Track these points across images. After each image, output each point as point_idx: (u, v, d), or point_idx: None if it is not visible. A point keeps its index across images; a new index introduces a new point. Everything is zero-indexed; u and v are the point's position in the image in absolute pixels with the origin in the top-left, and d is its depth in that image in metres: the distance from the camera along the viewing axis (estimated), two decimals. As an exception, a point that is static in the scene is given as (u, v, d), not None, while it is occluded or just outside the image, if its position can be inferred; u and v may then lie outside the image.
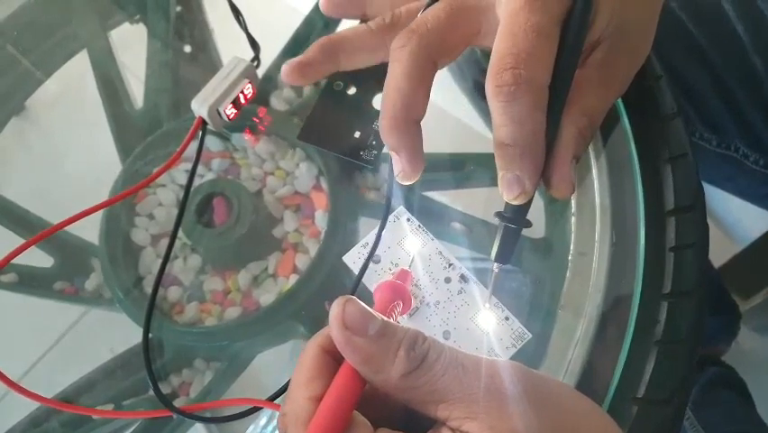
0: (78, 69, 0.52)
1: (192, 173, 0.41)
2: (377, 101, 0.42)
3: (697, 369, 0.80)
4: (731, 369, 0.82)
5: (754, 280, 0.88)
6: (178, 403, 0.39)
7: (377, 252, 0.34)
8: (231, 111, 0.40)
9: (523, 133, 0.27)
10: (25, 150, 0.59)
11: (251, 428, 0.60)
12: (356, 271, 0.34)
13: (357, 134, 0.41)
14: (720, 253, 0.89)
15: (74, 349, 0.47)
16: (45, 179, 0.55)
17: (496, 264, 0.30)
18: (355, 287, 0.33)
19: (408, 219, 0.35)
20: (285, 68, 0.38)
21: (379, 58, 0.38)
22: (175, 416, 0.37)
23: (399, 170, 0.31)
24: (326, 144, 0.41)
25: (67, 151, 0.57)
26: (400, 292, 0.30)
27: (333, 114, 0.42)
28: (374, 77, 0.41)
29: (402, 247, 0.34)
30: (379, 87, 0.42)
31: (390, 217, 0.35)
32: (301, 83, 0.38)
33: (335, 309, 0.24)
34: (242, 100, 0.41)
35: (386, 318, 0.25)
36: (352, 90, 0.42)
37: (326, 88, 0.43)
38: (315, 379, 0.25)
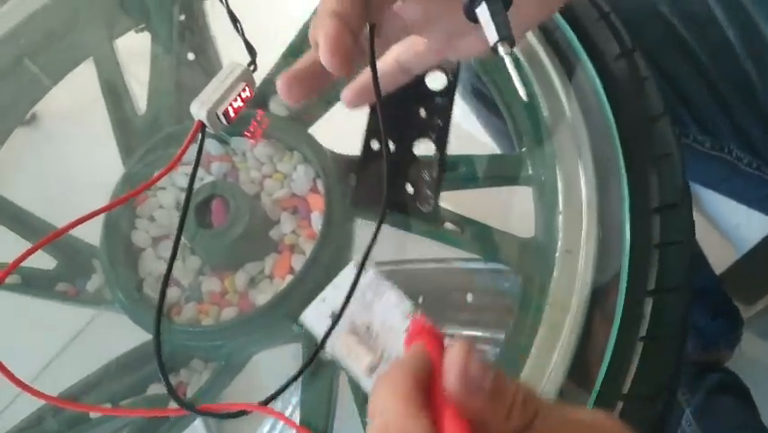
0: (86, 77, 0.54)
1: (192, 176, 0.42)
2: (416, 148, 0.42)
3: (699, 375, 0.80)
4: (734, 375, 0.81)
5: (756, 285, 0.88)
6: (174, 404, 0.39)
7: (334, 308, 0.32)
8: (229, 114, 0.41)
9: None
10: (33, 155, 0.60)
11: (254, 435, 0.60)
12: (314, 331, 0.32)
13: (410, 189, 0.40)
14: (721, 258, 0.88)
15: (75, 351, 0.48)
16: (50, 182, 0.56)
17: (502, 49, 0.26)
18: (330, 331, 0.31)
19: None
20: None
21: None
22: (172, 417, 0.38)
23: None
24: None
25: (72, 155, 0.58)
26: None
27: (379, 173, 0.41)
28: (408, 125, 0.40)
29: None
30: (416, 134, 0.41)
31: (350, 272, 0.32)
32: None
33: (458, 356, 0.23)
34: (240, 103, 0.41)
35: (498, 370, 0.23)
36: (390, 146, 0.42)
37: (364, 150, 0.42)
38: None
